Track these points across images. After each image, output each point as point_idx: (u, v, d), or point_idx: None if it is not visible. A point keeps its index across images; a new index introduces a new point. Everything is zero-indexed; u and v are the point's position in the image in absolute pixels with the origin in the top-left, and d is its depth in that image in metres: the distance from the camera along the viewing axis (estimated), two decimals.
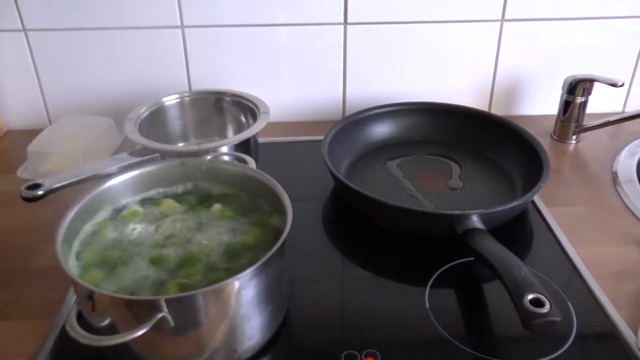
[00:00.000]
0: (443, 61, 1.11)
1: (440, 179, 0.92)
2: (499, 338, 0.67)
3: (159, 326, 0.52)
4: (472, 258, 0.75)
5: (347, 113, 1.11)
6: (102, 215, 0.68)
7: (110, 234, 0.65)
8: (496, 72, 1.12)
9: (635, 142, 1.04)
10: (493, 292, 0.71)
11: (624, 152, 1.01)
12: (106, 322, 0.55)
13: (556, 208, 0.87)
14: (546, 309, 0.58)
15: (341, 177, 0.82)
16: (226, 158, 0.81)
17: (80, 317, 0.53)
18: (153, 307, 0.52)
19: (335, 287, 0.74)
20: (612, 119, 1.04)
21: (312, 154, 0.91)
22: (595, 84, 1.01)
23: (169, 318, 0.52)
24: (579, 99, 1.03)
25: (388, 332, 0.66)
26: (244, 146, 0.87)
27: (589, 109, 1.05)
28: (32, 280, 0.75)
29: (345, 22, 1.05)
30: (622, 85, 0.97)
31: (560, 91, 1.05)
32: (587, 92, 1.03)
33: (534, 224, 0.85)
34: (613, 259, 0.77)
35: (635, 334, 0.65)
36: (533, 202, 0.88)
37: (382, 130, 1.01)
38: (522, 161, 0.92)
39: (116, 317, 0.55)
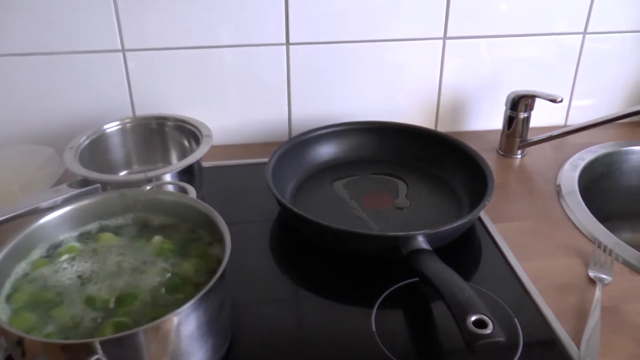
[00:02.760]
0: (388, 79, 1.11)
1: (386, 199, 0.92)
2: (446, 358, 0.67)
3: None
4: (418, 279, 0.75)
5: (294, 133, 1.11)
6: (37, 253, 0.66)
7: (45, 273, 0.63)
8: (441, 89, 1.13)
9: (577, 154, 1.06)
10: (440, 312, 0.70)
11: (567, 165, 1.03)
12: None
13: (502, 224, 0.88)
14: (489, 329, 0.58)
15: (284, 201, 0.82)
16: (169, 187, 0.79)
17: None
18: (87, 350, 0.50)
19: (281, 312, 0.73)
20: (555, 133, 1.06)
21: (258, 176, 0.90)
22: (537, 98, 1.03)
23: None
24: (522, 115, 1.05)
25: (334, 356, 0.66)
26: (188, 172, 0.86)
27: (534, 123, 1.07)
28: None
29: (288, 43, 1.05)
30: (561, 101, 0.98)
31: (504, 107, 1.07)
32: (529, 107, 1.05)
33: (481, 240, 0.85)
34: (557, 272, 0.79)
35: (578, 347, 0.66)
36: (480, 219, 0.89)
37: (328, 150, 1.01)
38: (468, 178, 0.93)
39: None
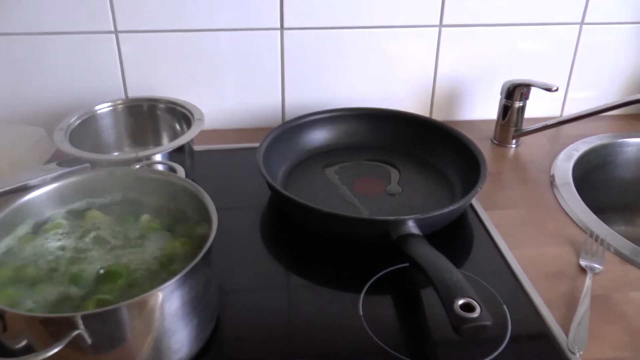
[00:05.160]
0: (383, 66, 1.10)
1: (378, 185, 0.92)
2: (434, 344, 0.67)
3: (75, 344, 0.50)
4: (407, 264, 0.74)
5: (287, 119, 1.10)
6: (23, 229, 0.65)
7: (30, 249, 0.62)
8: (436, 77, 1.13)
9: (571, 145, 1.05)
10: (429, 297, 0.70)
11: (561, 155, 1.03)
12: (22, 343, 0.52)
13: (495, 211, 0.88)
14: (476, 313, 0.58)
15: (274, 184, 0.81)
16: (159, 167, 0.79)
17: None
18: (68, 324, 0.50)
19: (269, 296, 0.72)
20: (549, 122, 1.06)
21: (250, 161, 0.89)
22: (533, 88, 1.03)
23: (86, 335, 0.50)
24: (517, 104, 1.04)
25: (321, 341, 0.65)
26: (179, 154, 0.85)
27: (529, 113, 1.06)
28: None
29: (282, 27, 1.04)
30: (556, 90, 0.98)
31: (499, 96, 1.06)
32: (525, 96, 1.04)
33: (473, 227, 0.85)
34: (548, 260, 0.78)
35: (567, 335, 0.65)
36: (472, 206, 0.88)
37: (320, 136, 1.01)
38: (462, 166, 0.92)
39: (31, 338, 0.52)
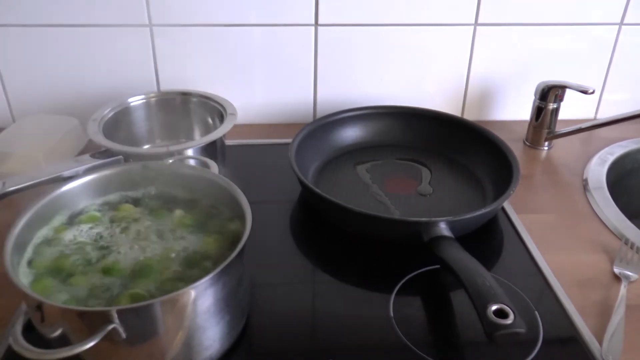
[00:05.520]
0: (416, 64, 1.10)
1: (409, 185, 0.91)
2: (464, 347, 0.66)
3: (110, 338, 0.51)
4: (438, 266, 0.74)
5: (318, 116, 1.10)
6: (59, 219, 0.66)
7: (66, 240, 0.63)
8: (469, 76, 1.12)
9: (606, 149, 1.04)
10: (459, 300, 0.70)
11: (595, 159, 1.01)
12: (57, 333, 0.52)
13: (526, 215, 0.87)
14: (510, 320, 0.57)
15: (307, 181, 0.81)
16: (191, 161, 0.79)
17: (33, 328, 0.51)
18: (104, 318, 0.50)
19: (299, 293, 0.72)
20: (584, 125, 1.04)
21: (281, 157, 0.89)
22: (568, 90, 1.01)
23: (120, 330, 0.51)
24: (551, 105, 1.03)
25: (351, 340, 0.65)
26: (211, 148, 0.85)
27: (562, 115, 1.05)
28: None
29: (317, 24, 1.03)
30: (592, 93, 0.96)
31: (533, 97, 1.05)
32: (559, 98, 1.02)
33: (504, 231, 0.84)
34: (581, 267, 0.77)
35: (600, 344, 0.64)
36: (503, 209, 0.87)
37: (352, 133, 1.00)
38: (493, 167, 0.91)
39: (67, 328, 0.52)
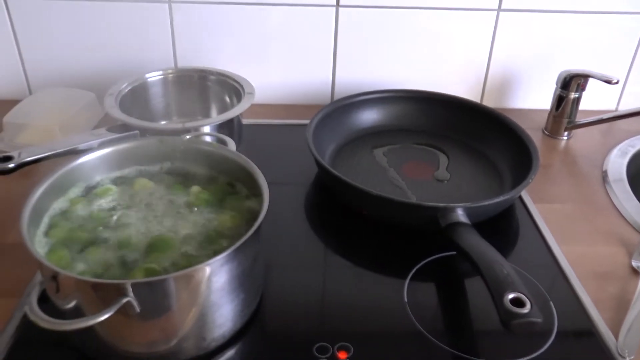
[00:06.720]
0: (436, 49, 1.08)
1: (426, 170, 0.90)
2: (477, 335, 0.65)
3: (124, 311, 0.51)
4: (454, 252, 0.73)
5: (336, 97, 1.09)
6: (75, 192, 0.66)
7: (81, 212, 0.63)
8: (490, 62, 1.10)
9: (627, 141, 1.02)
10: (474, 288, 0.69)
11: (615, 151, 0.99)
12: (71, 304, 0.53)
13: (544, 204, 0.86)
14: (527, 309, 0.56)
15: (324, 162, 0.80)
16: (207, 138, 0.78)
17: (48, 299, 0.51)
18: (118, 291, 0.50)
19: (312, 275, 0.72)
20: (605, 116, 1.03)
21: (298, 137, 0.88)
22: (590, 80, 0.99)
23: (135, 303, 0.51)
24: (573, 95, 1.01)
25: (363, 325, 0.65)
26: (227, 127, 0.85)
27: (582, 106, 1.03)
28: (3, 256, 0.72)
29: (338, 4, 1.02)
30: (617, 83, 0.94)
31: (554, 86, 1.03)
32: (581, 87, 1.01)
33: (520, 219, 0.83)
34: (598, 259, 0.76)
35: (616, 337, 0.63)
36: (520, 198, 0.86)
37: (370, 116, 0.99)
38: (512, 155, 0.90)
39: (81, 300, 0.52)
